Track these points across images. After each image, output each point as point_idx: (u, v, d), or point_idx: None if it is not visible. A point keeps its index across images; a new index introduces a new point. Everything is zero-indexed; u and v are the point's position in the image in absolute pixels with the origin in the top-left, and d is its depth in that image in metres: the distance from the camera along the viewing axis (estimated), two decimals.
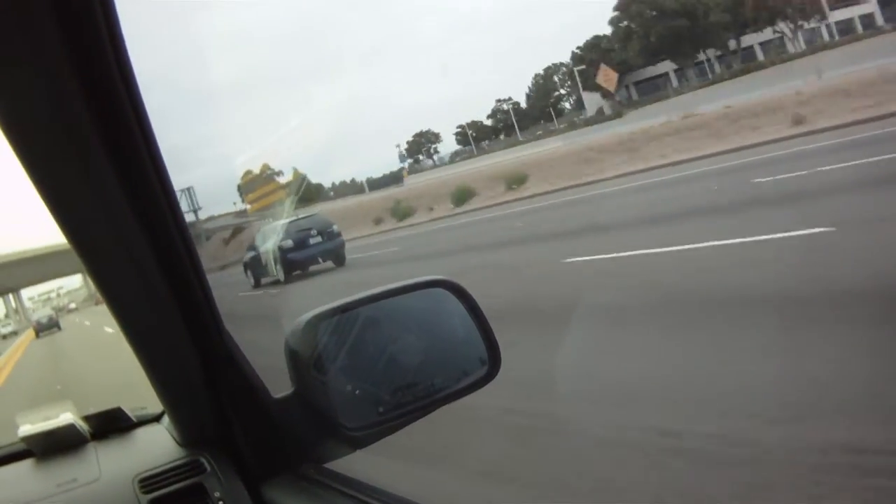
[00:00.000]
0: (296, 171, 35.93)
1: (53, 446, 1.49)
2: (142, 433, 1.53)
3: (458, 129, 50.90)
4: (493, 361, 1.06)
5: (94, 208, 0.89)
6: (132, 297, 1.02)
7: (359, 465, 1.10)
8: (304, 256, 14.09)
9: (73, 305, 56.67)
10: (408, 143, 53.89)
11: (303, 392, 1.04)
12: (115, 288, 1.01)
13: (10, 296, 61.63)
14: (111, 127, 0.79)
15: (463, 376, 1.06)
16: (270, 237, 14.61)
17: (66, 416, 1.48)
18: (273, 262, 14.36)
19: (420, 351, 1.08)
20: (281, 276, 14.16)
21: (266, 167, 35.70)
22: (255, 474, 1.18)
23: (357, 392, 1.03)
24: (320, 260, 14.22)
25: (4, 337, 40.37)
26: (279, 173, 33.78)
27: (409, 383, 1.05)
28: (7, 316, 59.36)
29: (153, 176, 0.86)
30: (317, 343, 1.01)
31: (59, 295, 71.33)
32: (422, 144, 53.83)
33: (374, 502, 0.97)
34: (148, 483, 1.24)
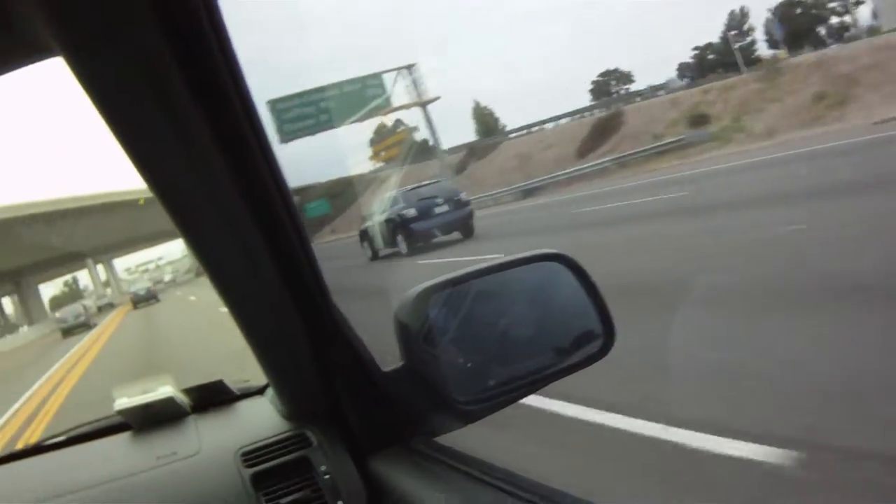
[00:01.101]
0: (404, 129, 34.75)
1: (151, 419, 1.47)
2: (244, 406, 1.51)
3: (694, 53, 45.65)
4: (607, 338, 1.04)
5: (197, 180, 0.88)
6: (236, 269, 1.02)
7: (469, 440, 1.08)
8: (428, 227, 12.81)
9: (168, 277, 57.22)
10: (593, 82, 50.49)
11: (412, 365, 1.04)
12: (218, 260, 1.01)
13: (102, 267, 63.97)
14: (212, 99, 0.79)
15: (576, 352, 1.06)
16: (391, 206, 13.27)
17: (165, 390, 1.46)
18: (393, 233, 13.00)
19: (532, 325, 1.09)
20: (403, 248, 12.82)
21: (399, 122, 34.71)
22: (362, 448, 1.18)
23: (468, 365, 1.03)
24: (437, 233, 12.70)
25: (100, 309, 41.04)
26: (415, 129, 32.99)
27: (520, 358, 1.06)
28: (105, 285, 61.23)
29: (256, 147, 0.85)
30: (427, 316, 1.01)
31: (157, 266, 72.90)
32: (608, 84, 50.42)
33: (486, 478, 0.92)
34: (251, 456, 1.23)
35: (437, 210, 12.75)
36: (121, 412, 1.46)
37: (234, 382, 1.57)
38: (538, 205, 18.38)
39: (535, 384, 1.03)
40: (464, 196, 13.30)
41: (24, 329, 46.14)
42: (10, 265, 38.52)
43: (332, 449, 1.19)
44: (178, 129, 0.81)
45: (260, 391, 1.53)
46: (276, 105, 26.96)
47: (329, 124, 27.49)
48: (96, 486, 1.27)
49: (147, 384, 1.49)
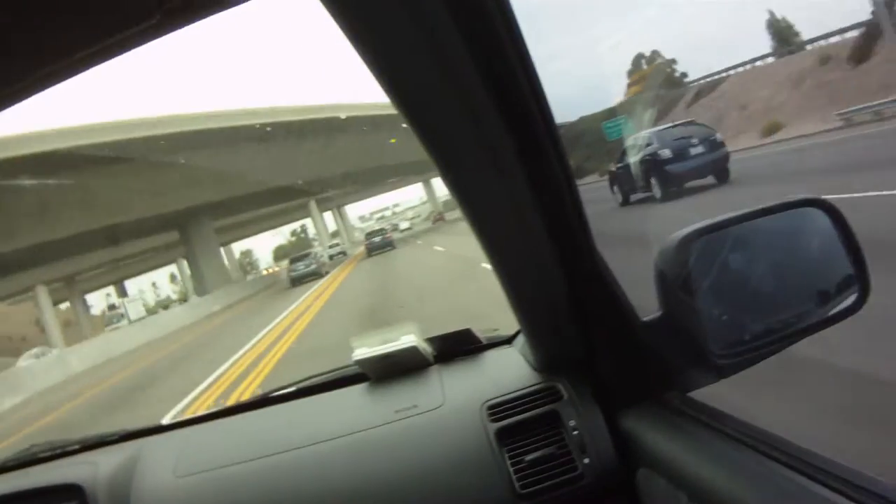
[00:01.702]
0: (662, 62, 33.01)
1: (391, 370, 1.43)
2: (491, 356, 1.45)
3: None
4: (863, 291, 0.98)
5: (460, 113, 0.84)
6: (497, 210, 0.97)
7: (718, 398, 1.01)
8: (685, 169, 12.58)
9: (404, 225, 57.12)
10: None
11: (670, 315, 1.00)
12: (478, 199, 0.97)
13: (332, 214, 63.63)
14: (476, 29, 0.75)
15: (830, 305, 1.00)
16: (643, 146, 13.33)
17: (407, 339, 1.43)
18: (646, 176, 13.09)
19: (788, 276, 1.03)
20: (657, 193, 12.87)
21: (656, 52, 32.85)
22: (613, 402, 1.13)
23: (724, 317, 0.99)
24: (692, 176, 12.47)
25: (331, 258, 40.01)
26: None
27: (774, 309, 1.00)
28: (336, 234, 61.72)
29: (524, 79, 0.81)
30: (686, 264, 0.97)
31: (394, 213, 75.71)
32: None
33: (748, 441, 0.86)
34: (497, 410, 1.20)
35: (693, 151, 12.52)
36: (359, 362, 1.43)
37: (481, 332, 1.52)
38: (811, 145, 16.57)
39: (791, 338, 0.99)
40: (719, 137, 12.95)
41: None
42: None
43: (583, 403, 1.16)
44: (439, 55, 0.77)
45: (507, 341, 1.48)
46: None
47: None
48: (331, 440, 1.27)
49: (388, 333, 1.46)
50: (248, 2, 0.70)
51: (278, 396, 1.56)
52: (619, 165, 14.36)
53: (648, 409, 1.08)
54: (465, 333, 1.50)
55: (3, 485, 1.45)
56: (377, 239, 30.92)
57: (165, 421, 1.56)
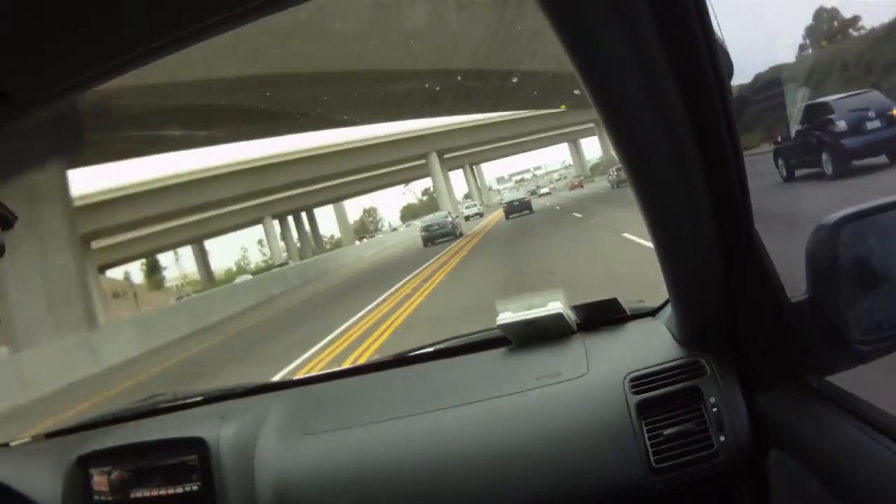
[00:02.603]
0: None
1: (534, 336, 1.39)
2: (635, 328, 1.43)
3: None
4: None
5: (633, 67, 0.80)
6: (662, 178, 0.94)
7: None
8: (861, 144, 11.83)
9: (544, 190, 55.64)
10: None
11: (817, 298, 0.98)
12: (644, 165, 0.93)
13: (465, 172, 62.14)
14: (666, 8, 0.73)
15: None
16: (815, 117, 12.67)
17: (554, 306, 1.40)
18: (817, 150, 12.48)
19: None
20: (827, 169, 12.27)
21: None
22: (753, 381, 1.12)
23: (869, 303, 0.98)
24: (867, 153, 11.62)
25: (468, 218, 40.46)
26: None
27: None
28: (468, 196, 60.54)
29: (700, 35, 0.76)
30: (837, 247, 0.95)
31: (534, 176, 73.11)
32: None
33: (884, 427, 0.85)
34: (640, 382, 1.19)
35: (870, 125, 11.81)
36: (502, 326, 1.42)
37: (626, 302, 1.51)
38: None
39: None
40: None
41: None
42: None
43: (725, 380, 1.15)
44: (623, 24, 0.75)
45: (652, 313, 1.46)
46: None
47: None
48: (470, 404, 1.27)
49: (534, 299, 1.44)
50: None
51: (417, 356, 1.57)
52: (786, 137, 13.74)
53: (787, 391, 1.07)
54: (610, 303, 1.49)
55: (126, 434, 1.45)
56: (515, 203, 31.25)
57: (287, 378, 1.60)
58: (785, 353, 1.08)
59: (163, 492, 1.36)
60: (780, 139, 13.83)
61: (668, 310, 1.35)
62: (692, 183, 0.94)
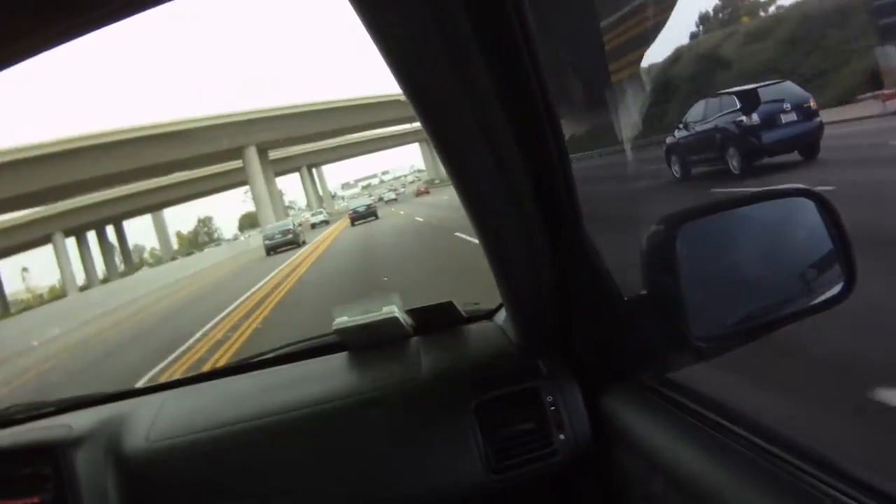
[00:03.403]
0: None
1: (370, 340, 1.43)
2: (472, 330, 1.46)
3: None
4: (849, 281, 1.01)
5: (453, 77, 0.84)
6: (488, 184, 0.98)
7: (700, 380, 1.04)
8: (774, 139, 10.39)
9: (391, 195, 55.51)
10: None
11: (653, 296, 1.02)
12: (468, 172, 0.98)
13: (308, 176, 57.97)
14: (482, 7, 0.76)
15: (815, 294, 1.03)
16: (718, 111, 11.06)
17: (389, 309, 1.42)
18: (722, 146, 10.83)
19: (774, 263, 1.05)
20: (734, 166, 10.65)
21: None
22: (592, 381, 1.15)
23: (707, 301, 1.01)
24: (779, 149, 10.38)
25: (314, 226, 39.85)
26: None
27: (759, 296, 1.03)
28: (308, 206, 58.69)
29: (522, 44, 0.80)
30: (671, 246, 0.99)
31: (381, 181, 71.88)
32: None
33: (722, 421, 0.89)
34: (476, 384, 1.21)
35: (785, 119, 10.39)
36: (338, 331, 1.43)
37: (462, 305, 1.51)
38: None
39: (773, 325, 1.01)
40: (813, 104, 10.76)
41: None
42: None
43: (562, 380, 1.18)
44: (438, 19, 0.78)
45: (489, 315, 1.49)
46: None
47: None
48: (307, 408, 1.26)
49: (370, 303, 1.44)
50: None
51: (256, 363, 1.55)
52: (682, 135, 12.14)
53: (626, 389, 1.10)
54: (446, 306, 1.51)
55: None
56: (361, 209, 31.94)
57: (142, 384, 1.68)
58: (623, 352, 1.11)
59: (17, 502, 1.31)
60: (675, 137, 12.36)
61: (505, 312, 1.37)
62: (517, 186, 0.98)
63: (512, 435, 1.15)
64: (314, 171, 62.64)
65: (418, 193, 49.69)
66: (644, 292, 1.03)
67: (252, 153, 43.00)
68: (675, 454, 0.89)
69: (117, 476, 1.26)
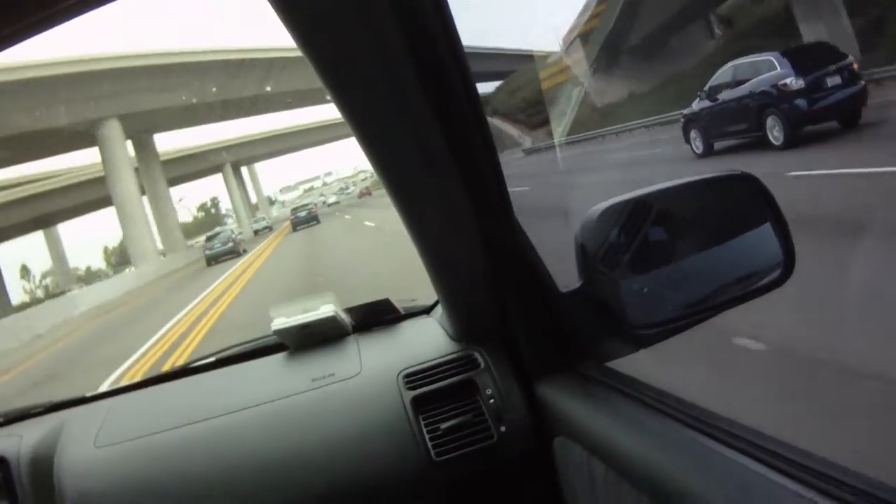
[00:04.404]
0: None
1: (309, 340, 1.46)
2: (409, 326, 1.50)
3: None
4: (788, 265, 1.02)
5: (380, 75, 0.84)
6: (417, 179, 0.99)
7: (639, 366, 1.06)
8: (822, 106, 9.30)
9: (332, 199, 54.04)
10: None
11: (589, 287, 1.03)
12: (397, 168, 0.98)
13: (234, 178, 49.52)
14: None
15: (754, 278, 1.04)
16: (756, 74, 9.91)
17: (326, 308, 1.45)
18: (759, 114, 9.71)
19: (711, 249, 1.05)
20: (776, 137, 9.55)
21: None
22: (530, 372, 1.17)
23: (644, 290, 1.01)
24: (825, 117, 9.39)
25: (256, 233, 39.37)
26: None
27: (696, 282, 1.03)
28: (237, 218, 54.40)
29: (445, 45, 0.82)
30: (606, 236, 0.99)
31: (324, 184, 68.97)
32: None
33: (657, 405, 0.92)
34: (414, 378, 1.25)
35: (830, 82, 9.33)
36: (278, 332, 1.44)
37: (399, 301, 1.54)
38: None
39: (711, 310, 1.02)
40: (856, 65, 9.74)
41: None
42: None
43: (500, 372, 1.22)
44: (363, 20, 0.78)
45: (426, 311, 1.52)
46: None
47: None
48: (249, 409, 1.30)
49: (308, 303, 1.46)
50: None
51: (199, 366, 1.56)
52: (706, 104, 10.95)
53: (564, 379, 1.12)
54: (383, 303, 1.53)
55: None
56: (303, 214, 31.02)
57: (90, 393, 1.53)
58: (559, 343, 1.11)
59: None
60: (696, 107, 11.18)
61: (441, 307, 1.38)
62: (446, 182, 0.98)
63: (453, 427, 1.16)
64: (246, 171, 57.57)
65: (361, 195, 49.25)
66: (579, 283, 1.04)
67: (113, 132, 25.66)
68: (614, 441, 0.92)
69: (67, 481, 1.29)
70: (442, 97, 0.85)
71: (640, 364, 1.07)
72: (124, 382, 1.66)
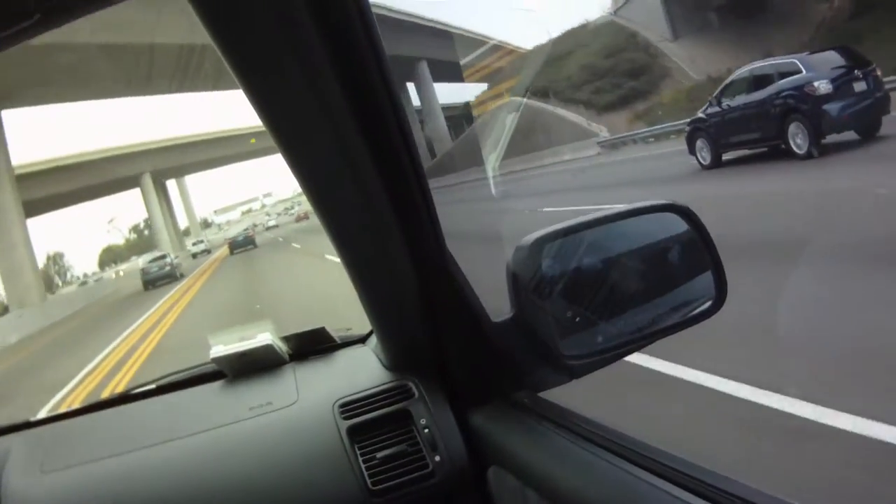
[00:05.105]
0: None
1: (247, 368, 1.46)
2: (345, 355, 1.50)
3: None
4: (720, 294, 1.02)
5: (310, 104, 0.85)
6: (347, 207, 0.99)
7: (572, 397, 1.07)
8: (848, 112, 8.75)
9: (272, 222, 53.10)
10: None
11: (521, 316, 1.03)
12: (327, 195, 0.98)
13: (160, 196, 45.00)
14: (332, 26, 0.77)
15: (686, 308, 1.04)
16: (777, 77, 9.26)
17: (263, 337, 1.45)
18: (782, 119, 9.04)
19: (643, 278, 1.06)
20: (799, 146, 8.90)
21: None
22: (464, 401, 1.18)
23: (577, 319, 1.02)
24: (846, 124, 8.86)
25: (195, 256, 38.84)
26: None
27: (630, 312, 1.03)
28: (183, 234, 53.63)
29: (375, 71, 0.82)
30: (539, 267, 0.99)
31: (263, 206, 65.51)
32: None
33: (592, 437, 0.92)
34: (350, 407, 1.23)
35: (857, 87, 8.73)
36: (215, 360, 1.43)
37: (335, 331, 1.54)
38: None
39: (643, 340, 1.03)
40: (879, 71, 9.19)
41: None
42: None
43: (434, 401, 1.20)
44: (294, 49, 0.79)
45: (362, 340, 1.52)
46: None
47: None
48: (185, 437, 1.28)
49: (245, 331, 1.48)
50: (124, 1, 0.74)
51: (138, 393, 1.56)
52: (714, 111, 10.22)
53: (498, 408, 1.12)
54: (319, 332, 1.53)
55: None
56: (240, 238, 31.34)
57: (34, 417, 1.51)
58: (492, 373, 1.12)
59: None
60: (703, 114, 10.46)
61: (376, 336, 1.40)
62: (377, 214, 0.98)
63: (389, 457, 1.16)
64: (175, 186, 52.86)
65: (298, 219, 48.24)
66: (512, 313, 1.04)
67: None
68: (547, 471, 0.93)
69: None
70: (372, 125, 0.85)
71: (578, 391, 1.07)
72: (63, 409, 1.63)
